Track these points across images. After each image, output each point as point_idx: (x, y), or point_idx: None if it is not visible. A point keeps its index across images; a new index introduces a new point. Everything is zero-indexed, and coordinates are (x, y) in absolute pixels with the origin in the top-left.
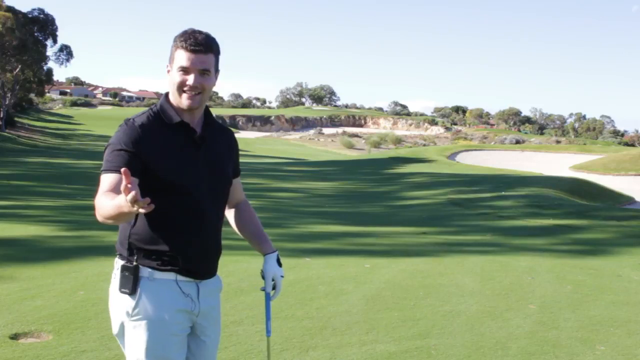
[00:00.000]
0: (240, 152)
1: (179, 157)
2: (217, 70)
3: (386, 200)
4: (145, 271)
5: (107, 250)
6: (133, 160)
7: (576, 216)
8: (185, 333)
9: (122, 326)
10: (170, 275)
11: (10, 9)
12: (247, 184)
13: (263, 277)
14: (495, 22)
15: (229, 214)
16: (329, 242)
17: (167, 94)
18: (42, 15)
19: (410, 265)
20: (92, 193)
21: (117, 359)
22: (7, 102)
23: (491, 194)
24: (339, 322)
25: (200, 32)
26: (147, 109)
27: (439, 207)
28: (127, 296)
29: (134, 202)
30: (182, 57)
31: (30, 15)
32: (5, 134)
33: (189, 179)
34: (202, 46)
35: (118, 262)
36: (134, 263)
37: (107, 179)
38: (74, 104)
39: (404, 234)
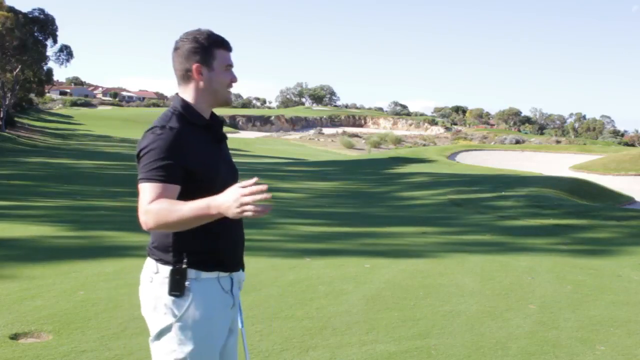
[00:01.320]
0: (241, 152)
1: (210, 156)
2: None
3: (386, 200)
4: (192, 273)
5: (107, 250)
6: (178, 169)
7: (576, 216)
8: (227, 329)
9: (166, 329)
10: (214, 274)
11: (10, 9)
12: None
13: None
14: (495, 22)
15: None
16: (329, 242)
17: (179, 96)
18: (42, 15)
19: (410, 265)
20: (92, 193)
21: (117, 359)
22: (7, 102)
23: (491, 194)
24: (339, 322)
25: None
26: (168, 111)
27: (439, 207)
28: (176, 299)
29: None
30: (227, 57)
31: (30, 15)
32: (5, 134)
33: (220, 176)
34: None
35: (161, 267)
36: (184, 266)
37: (155, 189)
38: (74, 104)
39: (404, 234)
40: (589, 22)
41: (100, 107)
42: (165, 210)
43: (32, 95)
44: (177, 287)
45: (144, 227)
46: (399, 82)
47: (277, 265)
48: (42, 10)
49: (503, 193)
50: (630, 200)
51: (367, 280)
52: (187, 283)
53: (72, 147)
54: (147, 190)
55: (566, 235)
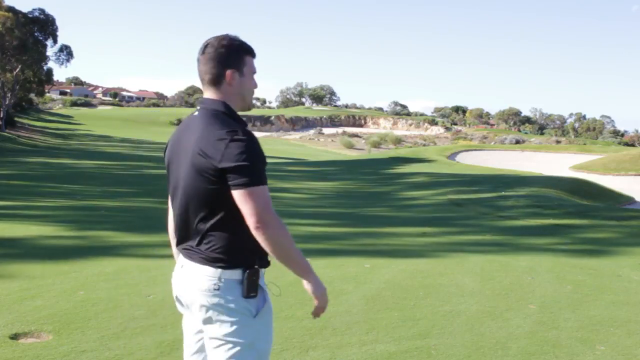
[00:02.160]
0: None
1: None
2: None
3: (386, 200)
4: (261, 272)
5: (107, 250)
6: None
7: (576, 216)
8: None
9: (245, 327)
10: (262, 272)
11: (10, 9)
12: None
13: None
14: (495, 22)
15: None
16: (329, 242)
17: (218, 100)
18: (42, 15)
19: (410, 265)
20: (92, 193)
21: (117, 359)
22: (7, 102)
23: (491, 194)
24: (339, 322)
25: None
26: (220, 115)
27: (439, 207)
28: (253, 300)
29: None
30: (253, 64)
31: (30, 15)
32: (5, 134)
33: None
34: None
35: (228, 272)
36: (255, 266)
37: (268, 193)
38: (74, 104)
39: (404, 234)
40: (589, 22)
41: (100, 107)
42: (291, 243)
43: (32, 95)
44: (254, 289)
45: (261, 227)
46: (399, 82)
47: (277, 265)
48: (42, 10)
49: (503, 193)
50: (630, 200)
51: (367, 280)
52: (260, 282)
53: (72, 147)
54: (260, 194)
55: (566, 235)
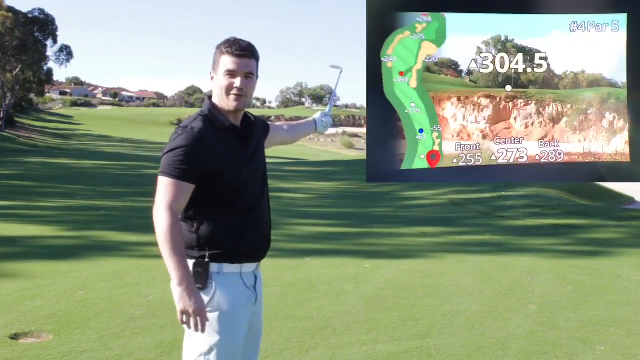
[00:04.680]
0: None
1: (233, 159)
2: (257, 76)
3: (386, 200)
4: (214, 266)
5: (107, 250)
6: (195, 168)
7: (576, 216)
8: (247, 325)
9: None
10: (236, 268)
11: (10, 9)
12: None
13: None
14: None
15: (289, 138)
16: (329, 242)
17: (211, 98)
18: (42, 15)
19: (410, 265)
20: (92, 193)
21: (117, 359)
22: (7, 102)
23: (491, 194)
24: (339, 322)
25: (242, 40)
26: (195, 114)
27: (439, 207)
28: (200, 292)
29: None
30: (229, 62)
31: (30, 15)
32: (5, 134)
33: (243, 179)
34: (246, 51)
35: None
36: (206, 260)
37: (173, 187)
38: (74, 104)
39: (404, 234)
40: None
41: (100, 107)
42: (172, 234)
43: (32, 95)
44: (199, 280)
45: (154, 214)
46: None
47: (277, 265)
48: (42, 10)
49: (503, 193)
50: (630, 200)
51: (367, 280)
52: (209, 276)
53: (72, 147)
54: (164, 185)
55: (566, 236)
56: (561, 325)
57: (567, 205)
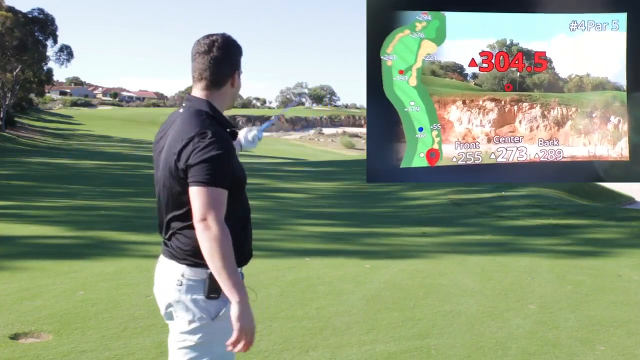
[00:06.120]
0: (240, 153)
1: (239, 162)
2: None
3: (386, 200)
4: None
5: (107, 250)
6: (230, 174)
7: (576, 216)
8: None
9: (200, 329)
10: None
11: (10, 9)
12: (248, 183)
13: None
14: None
15: None
16: (329, 242)
17: (205, 99)
18: (42, 15)
19: (410, 265)
20: (92, 193)
21: (117, 359)
22: (7, 102)
23: (491, 194)
24: (339, 322)
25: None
26: (201, 116)
27: (439, 207)
28: (214, 301)
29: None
30: (241, 63)
31: (30, 15)
32: (5, 134)
33: (245, 181)
34: None
35: (193, 270)
36: None
37: (223, 198)
38: (74, 104)
39: (404, 234)
40: None
41: (100, 107)
42: (231, 251)
43: (32, 95)
44: (216, 290)
45: (205, 228)
46: None
47: (277, 265)
48: (41, 10)
49: (503, 193)
50: (630, 200)
51: (367, 280)
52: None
53: (72, 147)
54: (214, 195)
55: (566, 236)
56: (561, 325)
57: (567, 205)
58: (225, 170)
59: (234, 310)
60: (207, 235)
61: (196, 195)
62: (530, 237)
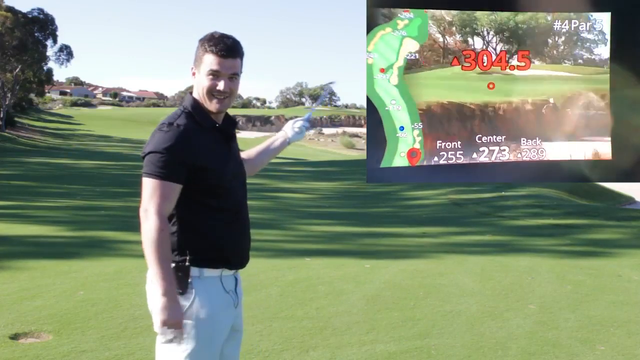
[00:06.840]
0: (241, 153)
1: (218, 156)
2: (241, 72)
3: (386, 200)
4: (195, 271)
5: (107, 250)
6: (183, 167)
7: (576, 216)
8: (229, 328)
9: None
10: (217, 272)
11: (9, 9)
12: (248, 183)
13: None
14: None
15: (252, 163)
16: (329, 242)
17: (192, 94)
18: (42, 15)
19: (410, 265)
20: (92, 193)
21: (117, 359)
22: (7, 102)
23: (491, 194)
24: (339, 322)
25: (228, 37)
26: (178, 110)
27: (439, 207)
28: (179, 296)
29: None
30: (213, 62)
31: (30, 15)
32: (5, 134)
33: (227, 178)
34: (232, 51)
35: None
36: (186, 264)
37: (162, 189)
38: (74, 104)
39: (404, 234)
40: None
41: (100, 107)
42: (162, 241)
43: (32, 95)
44: (179, 285)
45: (144, 218)
46: None
47: (277, 265)
48: (41, 10)
49: (503, 193)
50: (630, 200)
51: (367, 280)
52: (189, 281)
53: (72, 147)
54: (152, 186)
55: (566, 236)
56: (561, 325)
57: (567, 205)
58: (173, 163)
59: (157, 302)
60: (144, 225)
61: (143, 185)
62: (530, 237)
